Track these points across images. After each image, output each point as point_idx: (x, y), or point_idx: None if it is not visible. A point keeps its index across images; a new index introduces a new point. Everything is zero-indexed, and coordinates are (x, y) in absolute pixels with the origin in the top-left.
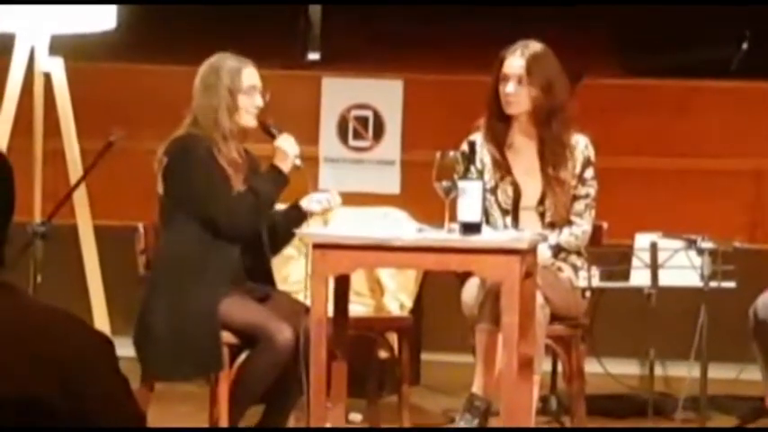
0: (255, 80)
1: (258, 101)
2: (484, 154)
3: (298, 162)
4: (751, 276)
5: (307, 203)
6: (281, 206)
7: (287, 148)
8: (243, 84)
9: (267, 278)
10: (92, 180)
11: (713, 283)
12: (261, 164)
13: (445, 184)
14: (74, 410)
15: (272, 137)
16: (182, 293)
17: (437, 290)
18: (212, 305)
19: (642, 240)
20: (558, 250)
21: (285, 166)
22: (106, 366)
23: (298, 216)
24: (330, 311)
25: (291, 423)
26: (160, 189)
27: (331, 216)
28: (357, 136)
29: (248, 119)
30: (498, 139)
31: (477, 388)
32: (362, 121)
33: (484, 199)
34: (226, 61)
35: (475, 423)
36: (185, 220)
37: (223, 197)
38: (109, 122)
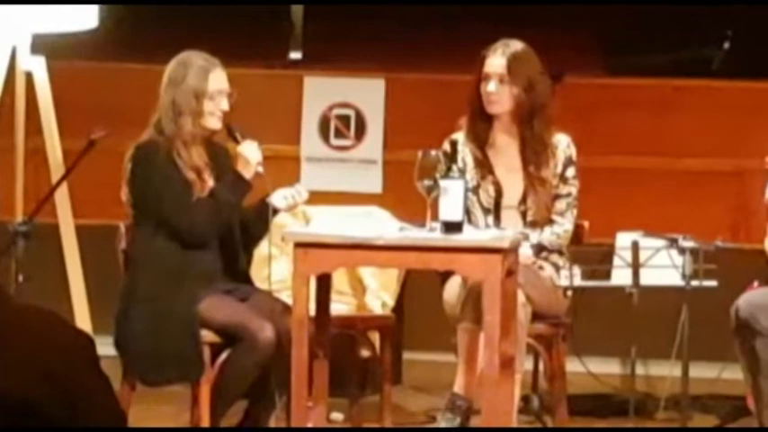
0: (222, 84)
1: (224, 104)
2: (466, 153)
3: (260, 169)
4: (733, 275)
5: (272, 199)
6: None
7: (249, 155)
8: (209, 88)
9: (244, 278)
10: (73, 179)
11: (695, 282)
12: (231, 158)
13: (427, 183)
14: (57, 410)
15: (236, 142)
16: (159, 299)
17: (419, 289)
18: (191, 309)
19: (624, 239)
20: (539, 249)
21: (247, 173)
22: (87, 365)
23: (265, 213)
24: (312, 310)
25: (272, 422)
26: (124, 196)
27: (300, 211)
28: (339, 135)
29: (213, 122)
30: (480, 139)
31: (458, 387)
32: (344, 120)
33: (465, 198)
34: (194, 60)
35: (456, 422)
36: (155, 225)
37: (183, 206)
38: (91, 121)
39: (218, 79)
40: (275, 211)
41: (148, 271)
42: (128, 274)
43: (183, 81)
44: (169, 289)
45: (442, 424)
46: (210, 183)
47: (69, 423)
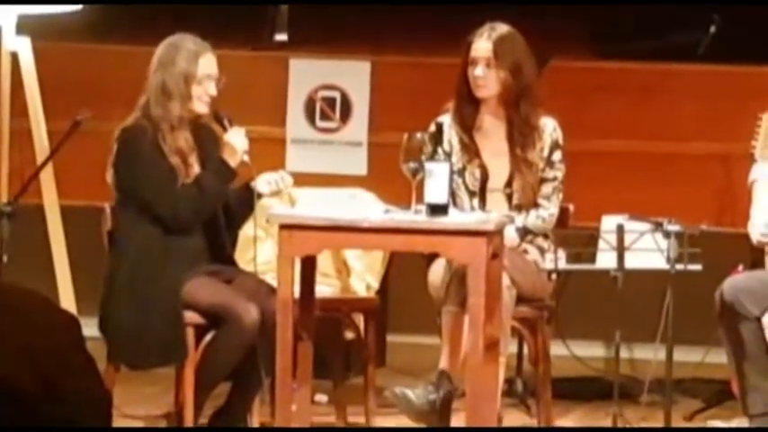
0: (211, 69)
1: (212, 89)
2: (452, 136)
3: (246, 158)
4: (717, 259)
5: (257, 184)
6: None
7: (236, 143)
8: (198, 72)
9: (229, 260)
10: (59, 160)
11: (679, 266)
12: (218, 141)
13: (412, 165)
14: (42, 392)
15: (224, 129)
16: (143, 283)
17: (404, 271)
18: (174, 294)
19: (609, 223)
20: (524, 233)
21: (233, 161)
22: (72, 346)
23: (249, 197)
24: (296, 292)
25: (257, 405)
26: (109, 178)
27: (285, 193)
28: (324, 117)
29: (201, 106)
30: (467, 122)
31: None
32: (330, 102)
33: (451, 180)
34: (184, 43)
35: (431, 397)
36: (139, 209)
37: (166, 193)
38: (76, 103)
39: (208, 64)
40: (259, 196)
41: (132, 254)
42: (112, 257)
43: (173, 63)
44: (153, 273)
45: (418, 389)
46: (196, 167)
47: (52, 405)
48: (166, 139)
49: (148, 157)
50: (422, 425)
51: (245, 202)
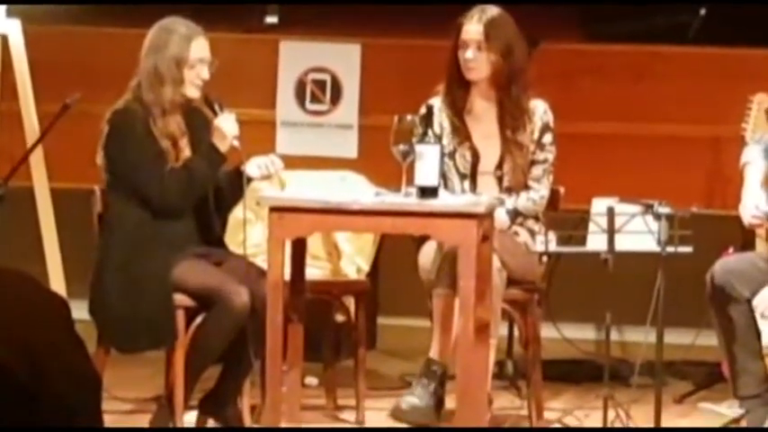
0: (203, 53)
1: (204, 73)
2: (442, 118)
3: (236, 143)
4: (708, 242)
5: (247, 168)
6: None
7: (226, 129)
8: (190, 56)
9: (218, 243)
10: (49, 143)
11: (670, 249)
12: (210, 125)
13: (402, 147)
14: (31, 374)
15: (214, 114)
16: (133, 266)
17: (394, 254)
18: (164, 277)
19: (599, 205)
20: (515, 215)
21: (223, 146)
22: (62, 329)
23: (239, 181)
24: (287, 275)
25: (247, 387)
26: (99, 160)
27: (276, 179)
28: (315, 100)
29: (192, 90)
30: (457, 105)
31: (434, 353)
32: (320, 84)
33: (441, 163)
34: (177, 27)
35: (431, 388)
36: (128, 192)
37: (155, 176)
38: (67, 85)
39: (200, 48)
40: (249, 180)
41: (122, 237)
42: (102, 240)
43: (165, 48)
44: (142, 256)
45: (417, 390)
46: (187, 151)
47: (41, 387)
48: (157, 123)
49: (138, 141)
50: (435, 423)
51: (235, 186)
